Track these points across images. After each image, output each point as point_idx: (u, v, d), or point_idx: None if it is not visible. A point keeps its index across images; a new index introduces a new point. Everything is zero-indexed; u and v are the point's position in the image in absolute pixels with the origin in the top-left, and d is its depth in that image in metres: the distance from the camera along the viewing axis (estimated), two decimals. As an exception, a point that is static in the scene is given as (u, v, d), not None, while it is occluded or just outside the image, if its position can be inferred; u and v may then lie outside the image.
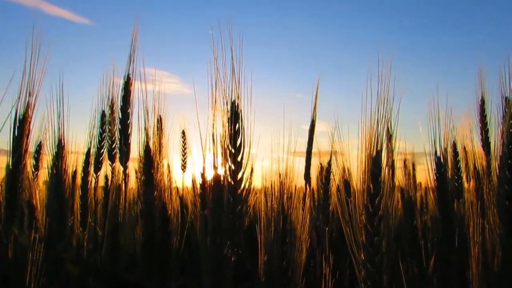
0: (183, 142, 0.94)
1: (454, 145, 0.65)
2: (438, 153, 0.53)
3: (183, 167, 0.95)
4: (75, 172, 0.58)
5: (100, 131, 0.58)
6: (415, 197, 0.69)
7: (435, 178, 0.58)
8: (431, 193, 0.67)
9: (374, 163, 0.31)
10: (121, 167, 0.53)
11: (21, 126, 0.42)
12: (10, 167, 0.42)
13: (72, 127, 0.56)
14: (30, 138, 0.45)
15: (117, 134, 0.54)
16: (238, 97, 0.36)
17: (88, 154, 0.58)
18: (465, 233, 0.63)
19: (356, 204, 0.33)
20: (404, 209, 0.64)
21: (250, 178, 0.39)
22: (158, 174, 0.46)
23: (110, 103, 0.60)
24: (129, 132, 0.53)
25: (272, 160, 0.44)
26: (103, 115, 0.59)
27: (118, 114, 0.53)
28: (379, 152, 0.31)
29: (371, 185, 0.31)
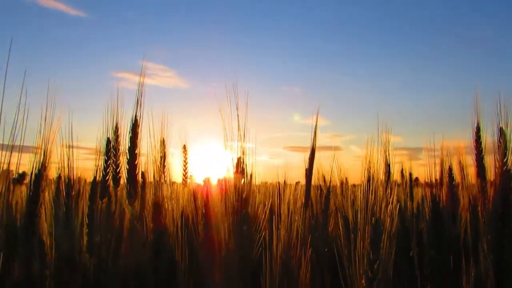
0: (184, 157, 0.95)
1: (450, 170, 0.67)
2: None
3: (184, 182, 0.96)
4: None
5: (105, 158, 0.59)
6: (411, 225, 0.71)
7: (430, 209, 0.61)
8: (427, 215, 0.69)
9: (374, 230, 0.33)
10: (129, 206, 0.55)
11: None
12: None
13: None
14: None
15: (124, 174, 0.55)
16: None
17: (94, 182, 0.59)
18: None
19: (357, 251, 0.35)
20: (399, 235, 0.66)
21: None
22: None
23: (114, 129, 0.62)
24: (136, 172, 0.54)
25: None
26: (108, 142, 0.60)
27: (126, 155, 0.55)
28: (378, 221, 0.33)
29: (371, 252, 0.33)
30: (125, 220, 0.60)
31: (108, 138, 0.60)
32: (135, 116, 0.55)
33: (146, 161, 0.67)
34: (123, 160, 0.60)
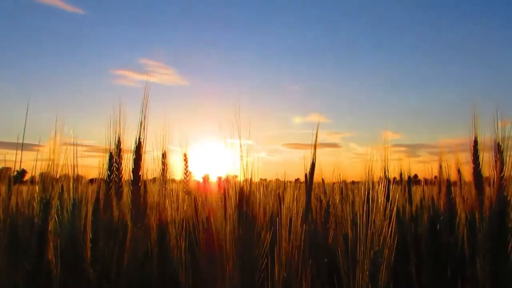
0: (184, 165, 0.96)
1: (448, 182, 0.68)
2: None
3: (185, 190, 0.97)
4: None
5: (108, 173, 0.60)
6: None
7: (428, 219, 0.62)
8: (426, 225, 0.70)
9: (372, 263, 0.34)
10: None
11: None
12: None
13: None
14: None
15: (128, 198, 0.56)
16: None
17: (98, 197, 0.60)
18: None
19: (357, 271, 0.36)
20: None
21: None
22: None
23: (117, 142, 0.63)
24: (141, 194, 0.55)
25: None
26: (111, 157, 0.61)
27: (130, 177, 0.56)
28: (377, 253, 0.34)
29: (370, 284, 0.34)
30: (128, 234, 0.61)
31: (111, 153, 0.60)
32: (139, 138, 0.55)
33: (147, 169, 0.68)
34: (126, 172, 0.61)
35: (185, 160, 0.97)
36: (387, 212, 0.47)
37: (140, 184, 0.55)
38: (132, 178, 0.55)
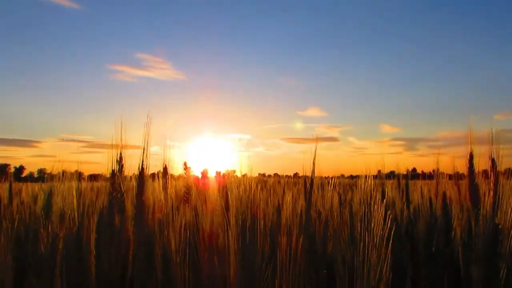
0: (185, 173, 0.97)
1: (444, 195, 0.69)
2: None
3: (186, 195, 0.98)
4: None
5: (110, 190, 0.61)
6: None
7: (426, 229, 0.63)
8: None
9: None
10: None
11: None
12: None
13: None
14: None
15: (131, 220, 0.57)
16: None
17: (102, 213, 0.61)
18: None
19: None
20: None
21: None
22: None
23: (119, 158, 0.64)
24: (143, 218, 0.56)
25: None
26: (113, 174, 0.62)
27: (132, 200, 0.57)
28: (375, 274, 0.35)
29: None
30: (130, 248, 0.62)
31: (113, 171, 0.62)
32: (142, 164, 0.56)
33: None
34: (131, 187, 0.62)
35: (186, 168, 0.98)
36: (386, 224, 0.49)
37: (143, 204, 0.57)
38: (135, 203, 0.56)
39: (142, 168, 0.59)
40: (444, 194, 0.67)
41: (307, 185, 0.72)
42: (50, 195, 0.71)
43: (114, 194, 0.60)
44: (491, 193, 0.52)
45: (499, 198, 0.52)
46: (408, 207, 1.20)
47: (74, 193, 0.68)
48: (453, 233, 0.63)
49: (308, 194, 0.59)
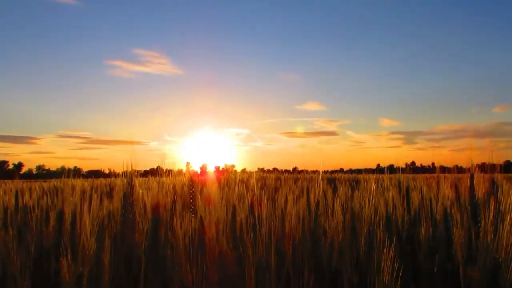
0: (190, 189, 0.99)
1: (445, 211, 0.71)
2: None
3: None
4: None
5: (123, 212, 0.63)
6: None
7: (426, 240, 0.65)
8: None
9: None
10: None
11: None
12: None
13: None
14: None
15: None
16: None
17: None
18: None
19: None
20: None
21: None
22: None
23: (130, 182, 0.66)
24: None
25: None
26: (125, 196, 0.64)
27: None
28: None
29: None
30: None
31: (125, 193, 0.64)
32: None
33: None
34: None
35: (189, 181, 1.00)
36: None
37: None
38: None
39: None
40: (445, 210, 0.69)
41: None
42: (61, 213, 0.73)
43: (127, 215, 0.62)
44: (491, 214, 0.54)
45: (498, 218, 0.54)
46: (409, 212, 1.23)
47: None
48: (453, 248, 0.65)
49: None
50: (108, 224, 0.76)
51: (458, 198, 0.88)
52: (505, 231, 0.49)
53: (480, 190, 0.69)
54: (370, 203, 0.87)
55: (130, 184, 0.65)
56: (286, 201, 1.42)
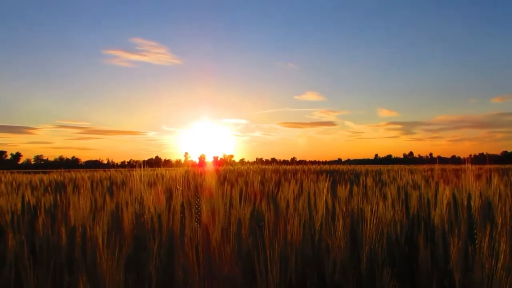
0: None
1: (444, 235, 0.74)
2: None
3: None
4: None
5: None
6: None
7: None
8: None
9: None
10: None
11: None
12: None
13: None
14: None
15: None
16: None
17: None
18: None
19: None
20: None
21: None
22: None
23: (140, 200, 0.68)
24: None
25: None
26: (137, 217, 0.66)
27: None
28: None
29: None
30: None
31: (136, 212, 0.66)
32: None
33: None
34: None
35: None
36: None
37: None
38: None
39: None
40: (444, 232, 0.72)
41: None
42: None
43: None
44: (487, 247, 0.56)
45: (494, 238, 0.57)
46: (407, 217, 1.26)
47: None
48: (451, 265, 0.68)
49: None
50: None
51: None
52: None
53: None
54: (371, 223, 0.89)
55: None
56: (287, 206, 1.45)
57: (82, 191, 2.03)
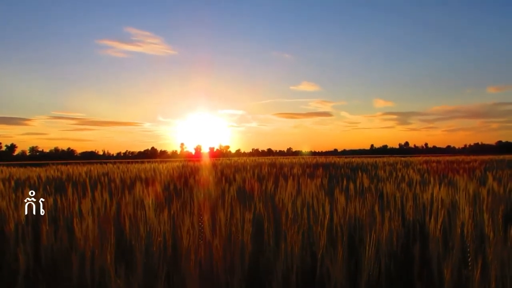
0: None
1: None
2: None
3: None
4: None
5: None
6: None
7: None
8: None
9: None
10: None
11: None
12: None
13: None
14: None
15: None
16: None
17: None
18: None
19: None
20: None
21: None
22: None
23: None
24: None
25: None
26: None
27: None
28: None
29: None
30: None
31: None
32: None
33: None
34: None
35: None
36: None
37: None
38: None
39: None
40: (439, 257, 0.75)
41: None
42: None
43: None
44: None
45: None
46: (403, 225, 1.29)
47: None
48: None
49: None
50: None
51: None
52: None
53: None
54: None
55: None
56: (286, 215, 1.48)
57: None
